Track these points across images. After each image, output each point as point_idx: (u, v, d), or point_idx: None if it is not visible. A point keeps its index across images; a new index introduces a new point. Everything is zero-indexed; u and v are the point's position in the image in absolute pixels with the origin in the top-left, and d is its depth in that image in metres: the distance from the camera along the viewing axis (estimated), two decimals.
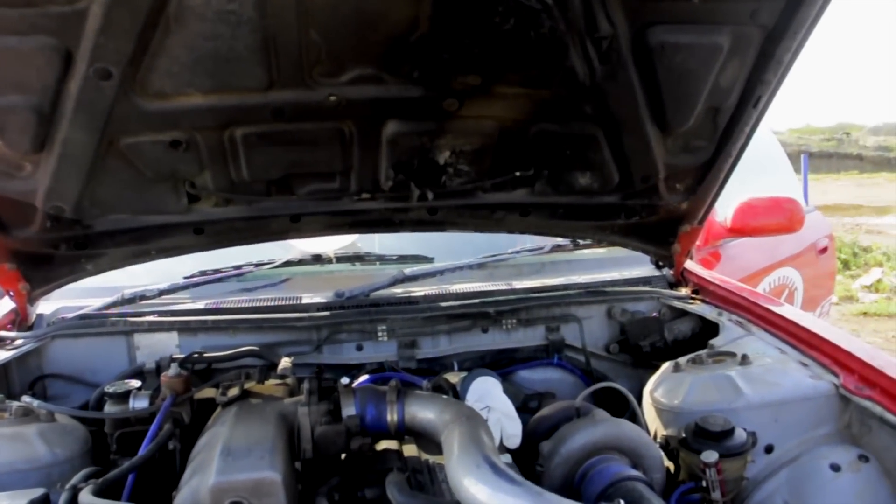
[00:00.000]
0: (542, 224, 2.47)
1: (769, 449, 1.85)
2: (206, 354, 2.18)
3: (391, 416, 1.70)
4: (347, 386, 1.72)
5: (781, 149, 4.97)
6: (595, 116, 2.03)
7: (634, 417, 1.98)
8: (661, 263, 2.79)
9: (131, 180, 2.04)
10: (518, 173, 2.23)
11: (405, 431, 1.71)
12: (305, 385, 1.76)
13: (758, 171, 4.46)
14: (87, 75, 1.67)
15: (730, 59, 1.91)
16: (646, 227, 2.53)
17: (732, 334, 2.26)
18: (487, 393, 1.82)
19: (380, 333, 2.34)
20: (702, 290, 2.64)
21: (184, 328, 2.30)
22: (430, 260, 2.73)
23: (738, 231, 3.32)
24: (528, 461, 1.82)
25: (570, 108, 2.00)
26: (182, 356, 2.15)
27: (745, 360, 2.00)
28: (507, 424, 1.78)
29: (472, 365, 2.39)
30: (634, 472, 1.61)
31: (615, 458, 1.69)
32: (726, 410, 1.85)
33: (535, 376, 2.43)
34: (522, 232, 2.54)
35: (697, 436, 1.74)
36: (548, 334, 2.47)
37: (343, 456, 1.69)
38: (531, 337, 2.47)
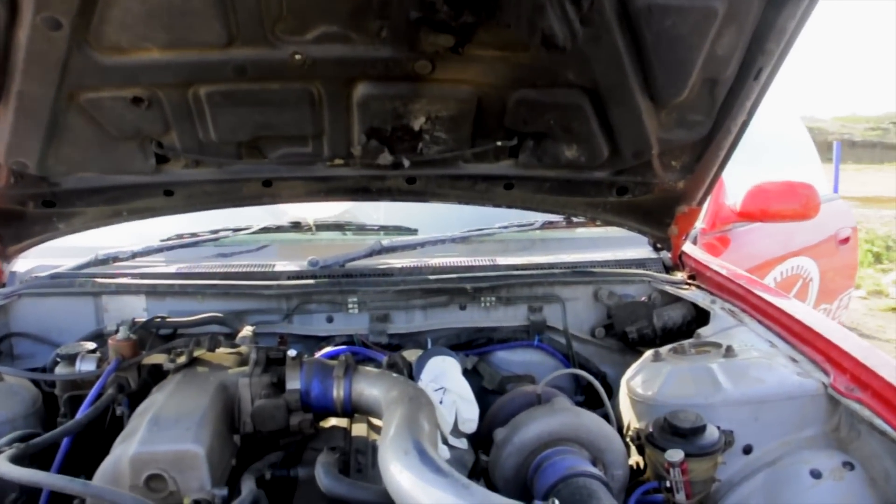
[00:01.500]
0: (528, 198, 2.35)
1: (747, 450, 1.72)
2: (168, 319, 2.11)
3: (337, 393, 1.61)
4: (295, 358, 1.63)
5: (808, 134, 4.72)
6: (579, 84, 1.89)
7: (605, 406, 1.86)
8: (658, 246, 2.64)
9: (96, 138, 1.97)
10: (499, 143, 2.10)
11: (352, 410, 1.62)
12: (251, 355, 1.68)
13: (779, 157, 4.26)
14: (34, 24, 1.60)
15: (726, 26, 1.75)
16: (641, 206, 2.39)
17: (722, 324, 2.12)
18: (444, 373, 1.71)
19: (350, 305, 2.25)
20: (698, 275, 2.49)
21: (151, 292, 2.24)
22: (413, 232, 2.62)
23: (748, 216, 3.15)
24: (487, 448, 1.72)
25: (552, 73, 1.86)
26: (144, 319, 2.08)
27: (729, 351, 1.86)
28: (463, 408, 1.68)
29: (446, 343, 2.29)
30: (589, 468, 1.49)
31: (572, 451, 1.57)
32: (702, 406, 1.72)
33: (513, 358, 2.33)
34: (508, 206, 2.41)
35: (665, 432, 1.62)
36: (529, 314, 2.35)
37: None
38: (511, 316, 2.36)
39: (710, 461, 1.59)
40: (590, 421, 1.61)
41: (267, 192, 2.23)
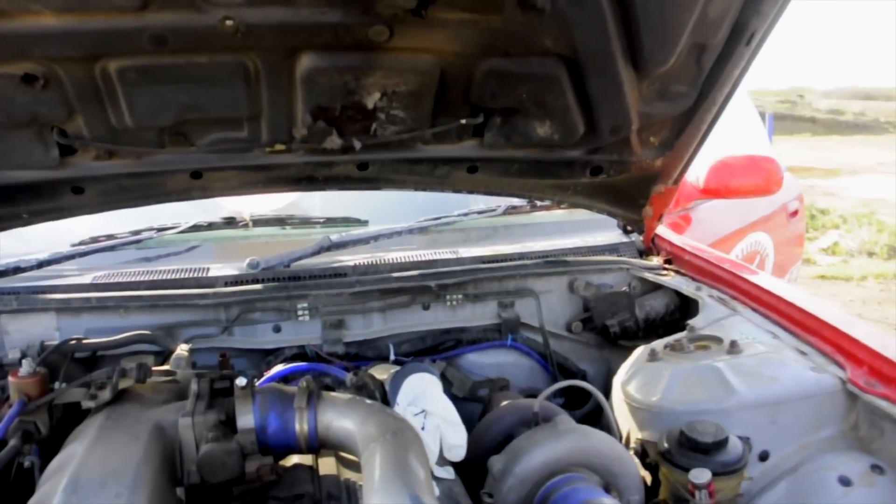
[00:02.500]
0: (494, 182, 2.10)
1: (763, 456, 1.55)
2: (85, 341, 1.78)
3: (300, 427, 1.34)
4: (245, 387, 1.34)
5: (753, 105, 4.65)
6: (557, 52, 1.66)
7: (602, 418, 1.65)
8: (629, 228, 2.45)
9: None
10: (464, 121, 1.84)
11: (319, 445, 1.36)
12: (192, 387, 1.39)
13: (727, 129, 4.15)
14: None
15: None
16: (614, 186, 2.19)
17: (714, 313, 1.94)
18: (423, 394, 1.46)
19: (300, 312, 1.97)
20: (675, 259, 2.31)
21: (63, 308, 1.90)
22: (363, 223, 2.34)
23: (711, 192, 3.00)
24: (474, 475, 1.48)
25: (527, 40, 1.62)
26: (55, 343, 1.75)
27: (734, 347, 1.68)
28: (448, 433, 1.43)
29: (410, 348, 2.04)
30: (608, 499, 1.28)
31: (583, 479, 1.36)
32: (715, 412, 1.53)
33: (485, 360, 2.10)
34: (470, 191, 2.16)
35: (683, 447, 1.42)
36: (500, 311, 2.12)
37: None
38: (481, 314, 2.12)
39: (737, 478, 1.40)
40: (601, 443, 1.40)
41: (196, 185, 1.92)
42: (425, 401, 1.45)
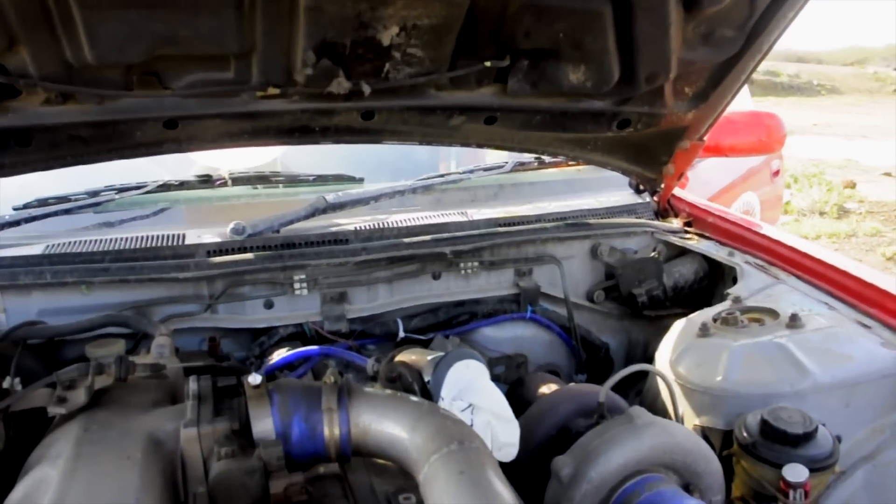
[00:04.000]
0: (511, 135, 1.85)
1: (837, 441, 1.36)
2: (40, 325, 1.47)
3: (329, 432, 1.08)
4: (259, 386, 1.07)
5: None
6: None
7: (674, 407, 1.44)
8: (641, 188, 2.24)
9: None
10: (488, 63, 1.58)
11: (352, 452, 1.10)
12: (191, 386, 1.11)
13: None
14: None
15: None
16: (637, 142, 1.96)
17: (756, 282, 1.75)
18: (470, 385, 1.21)
19: (297, 285, 1.68)
20: (696, 221, 2.11)
21: (9, 285, 1.56)
22: (359, 182, 2.06)
23: (713, 150, 2.79)
24: (523, 475, 1.25)
25: None
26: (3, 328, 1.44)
27: (795, 321, 1.48)
28: (500, 429, 1.19)
29: (421, 323, 1.79)
30: None
31: (663, 480, 1.15)
32: (788, 395, 1.34)
33: (501, 334, 1.87)
34: (482, 145, 1.90)
35: (769, 438, 1.22)
36: (517, 280, 1.88)
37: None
38: (496, 284, 1.88)
39: (828, 474, 1.22)
40: (685, 439, 1.18)
41: (170, 136, 1.60)
42: (473, 393, 1.20)
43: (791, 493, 1.15)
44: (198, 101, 1.54)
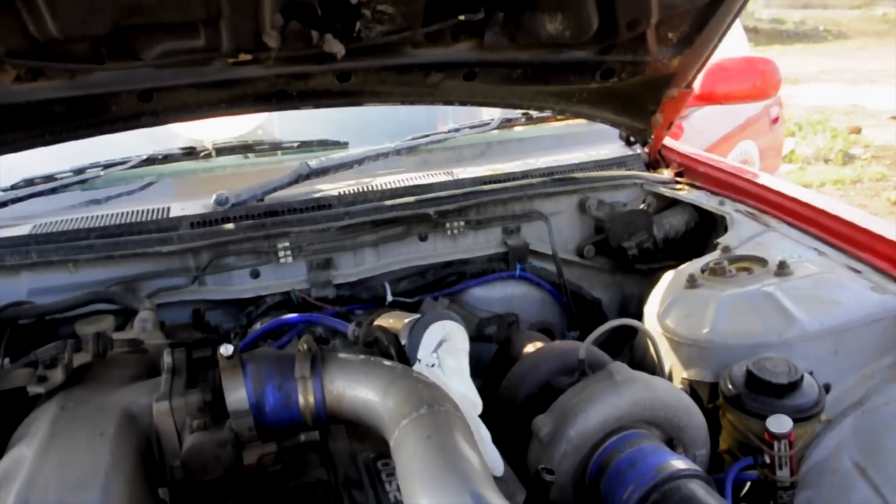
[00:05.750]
0: (492, 91, 1.78)
1: (826, 389, 1.32)
2: (27, 305, 1.46)
3: (304, 399, 1.05)
4: (232, 356, 1.04)
5: None
6: None
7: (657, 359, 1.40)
8: (632, 139, 2.17)
9: None
10: (462, 17, 1.51)
11: (327, 420, 1.08)
12: (165, 359, 1.08)
13: None
14: None
15: None
16: (622, 92, 1.89)
17: (746, 230, 1.69)
18: (443, 347, 1.17)
19: (282, 253, 1.65)
20: (687, 171, 2.05)
21: None
22: (343, 146, 2.01)
23: (706, 98, 2.70)
24: (506, 435, 1.22)
25: None
26: None
27: (783, 268, 1.43)
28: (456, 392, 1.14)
29: (409, 286, 1.75)
30: (685, 465, 1.04)
31: (645, 436, 1.12)
32: (776, 344, 1.30)
33: (492, 294, 1.83)
34: (464, 102, 1.83)
35: (753, 390, 1.18)
36: (505, 238, 1.84)
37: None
38: (484, 243, 1.84)
39: (814, 423, 1.18)
40: (666, 393, 1.15)
41: (146, 108, 1.55)
42: (444, 354, 1.16)
43: (776, 444, 1.11)
44: (171, 72, 1.49)
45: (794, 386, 1.17)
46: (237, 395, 1.03)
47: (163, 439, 1.01)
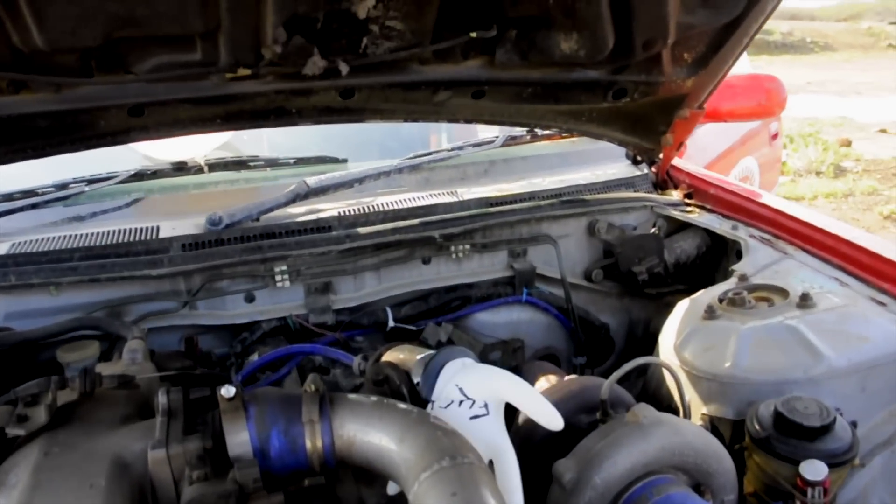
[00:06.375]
0: (500, 109, 1.74)
1: (853, 427, 1.28)
2: (4, 331, 1.38)
3: (312, 444, 0.99)
4: (234, 398, 0.98)
5: None
6: None
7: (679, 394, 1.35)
8: (639, 158, 2.13)
9: None
10: (474, 34, 1.46)
11: (336, 465, 1.01)
12: (160, 400, 1.01)
13: None
14: None
15: None
16: (633, 112, 1.85)
17: (762, 257, 1.65)
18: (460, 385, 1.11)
19: (278, 277, 1.59)
20: (697, 192, 2.01)
21: None
22: (343, 163, 1.95)
23: (710, 115, 2.68)
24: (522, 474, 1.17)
25: None
26: None
27: (806, 300, 1.39)
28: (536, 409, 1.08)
29: (411, 311, 1.69)
30: None
31: (672, 482, 1.06)
32: (801, 382, 1.25)
33: (496, 319, 1.77)
34: (470, 120, 1.78)
35: (783, 433, 1.13)
36: (511, 261, 1.79)
37: None
38: (489, 267, 1.79)
39: (846, 469, 1.13)
40: (695, 437, 1.09)
41: (136, 123, 1.49)
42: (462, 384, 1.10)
43: (809, 490, 1.06)
44: (164, 86, 1.43)
45: (826, 429, 1.13)
46: (240, 441, 0.97)
47: (158, 491, 0.94)
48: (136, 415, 1.08)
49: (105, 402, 1.09)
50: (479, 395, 1.04)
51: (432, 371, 1.11)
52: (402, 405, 1.02)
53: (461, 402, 1.05)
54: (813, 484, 1.06)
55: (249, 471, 0.92)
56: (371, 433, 0.98)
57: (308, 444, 0.99)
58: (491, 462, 1.01)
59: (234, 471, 0.92)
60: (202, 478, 0.91)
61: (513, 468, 1.00)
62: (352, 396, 1.03)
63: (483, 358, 1.71)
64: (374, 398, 1.03)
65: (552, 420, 1.01)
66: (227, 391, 0.98)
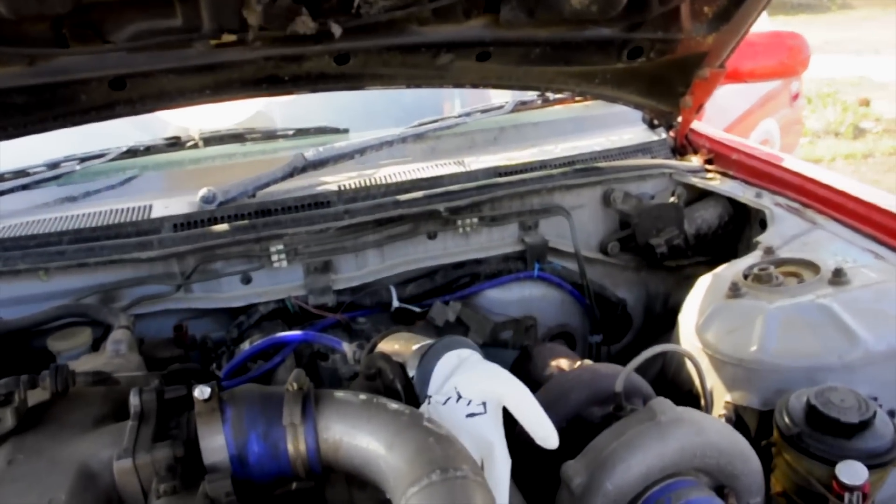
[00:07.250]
0: (508, 72, 1.57)
1: (890, 416, 1.13)
2: None
3: (294, 448, 0.87)
4: (209, 399, 0.86)
5: None
6: None
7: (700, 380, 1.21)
8: (656, 122, 1.96)
9: None
10: None
11: (322, 469, 0.89)
12: (131, 401, 0.89)
13: None
14: None
15: None
16: (650, 72, 1.68)
17: (789, 227, 1.49)
18: (457, 377, 0.98)
19: (275, 256, 1.46)
20: (718, 158, 1.84)
21: None
22: (343, 133, 1.80)
23: (730, 76, 2.48)
24: (526, 472, 1.04)
25: None
26: None
27: (839, 276, 1.23)
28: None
29: (416, 290, 1.56)
30: None
31: (693, 485, 0.93)
32: (836, 368, 1.10)
33: (507, 296, 1.64)
34: (476, 84, 1.62)
35: (817, 429, 0.99)
36: (522, 235, 1.64)
37: None
38: (499, 241, 1.64)
39: (888, 470, 0.99)
40: (719, 437, 0.95)
41: (119, 96, 1.35)
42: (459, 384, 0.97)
43: (846, 495, 0.92)
44: (146, 56, 1.29)
45: (865, 425, 0.98)
46: (215, 447, 0.85)
47: (126, 501, 0.83)
48: (111, 415, 0.96)
49: (79, 401, 0.97)
50: (476, 396, 0.90)
51: (427, 365, 0.97)
52: (394, 405, 0.89)
53: (458, 398, 0.92)
54: (851, 489, 0.92)
55: (221, 483, 0.80)
56: (359, 436, 0.86)
57: (290, 448, 0.87)
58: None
59: (204, 483, 0.80)
60: (169, 491, 0.80)
61: (502, 468, 0.87)
62: (339, 395, 0.91)
63: (494, 337, 1.58)
64: (363, 396, 0.90)
65: (547, 438, 0.88)
66: (202, 392, 0.86)
